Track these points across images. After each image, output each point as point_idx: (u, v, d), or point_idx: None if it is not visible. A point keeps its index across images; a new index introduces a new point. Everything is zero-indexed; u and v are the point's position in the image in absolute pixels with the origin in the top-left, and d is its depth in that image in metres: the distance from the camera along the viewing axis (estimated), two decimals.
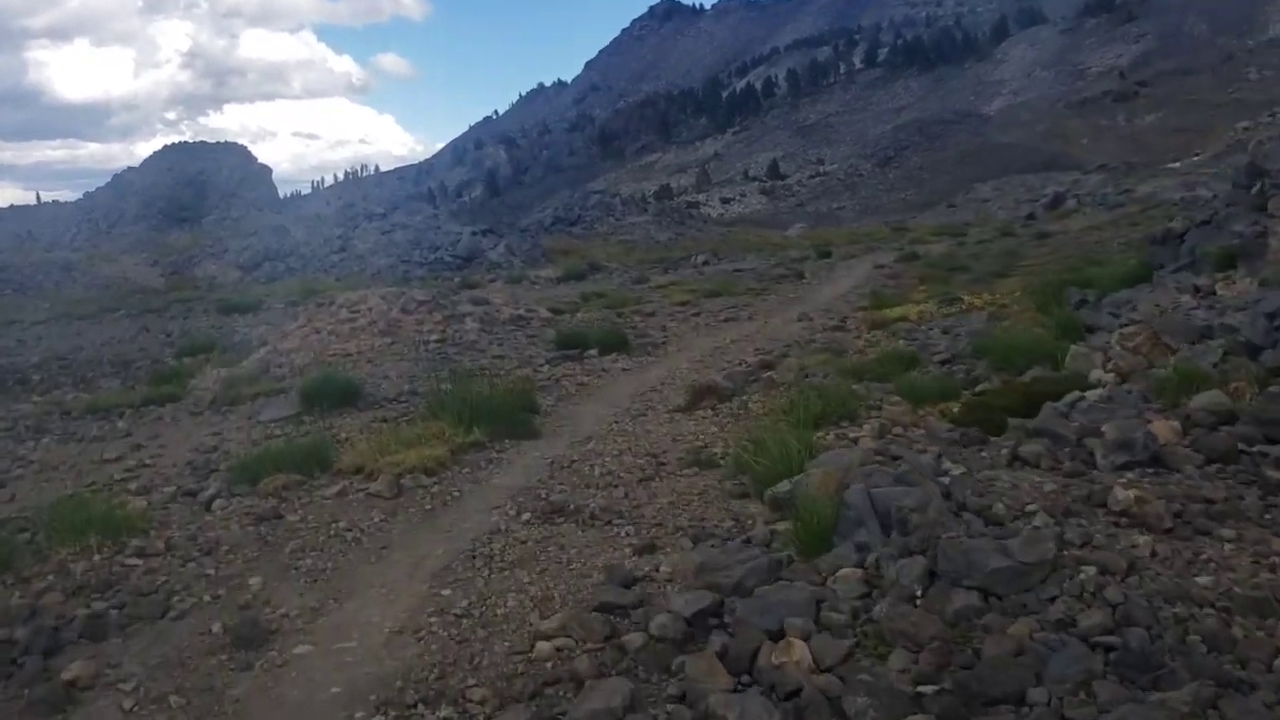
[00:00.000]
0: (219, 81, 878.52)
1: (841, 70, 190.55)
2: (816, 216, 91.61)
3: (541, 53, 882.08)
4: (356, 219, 38.69)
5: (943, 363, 9.38)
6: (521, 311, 18.09)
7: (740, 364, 11.88)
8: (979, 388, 7.96)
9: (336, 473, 7.53)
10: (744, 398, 9.35)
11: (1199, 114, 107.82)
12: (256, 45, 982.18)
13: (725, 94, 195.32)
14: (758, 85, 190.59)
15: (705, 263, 32.13)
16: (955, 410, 7.40)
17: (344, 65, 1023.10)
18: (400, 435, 8.21)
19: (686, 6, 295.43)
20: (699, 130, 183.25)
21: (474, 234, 36.32)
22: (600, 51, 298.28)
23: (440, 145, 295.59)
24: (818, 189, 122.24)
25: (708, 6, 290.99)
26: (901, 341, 11.59)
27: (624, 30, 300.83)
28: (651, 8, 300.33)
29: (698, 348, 13.81)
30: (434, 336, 15.54)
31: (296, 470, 7.43)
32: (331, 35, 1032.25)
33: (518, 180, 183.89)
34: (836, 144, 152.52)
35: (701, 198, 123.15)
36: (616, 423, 8.97)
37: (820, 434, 7.30)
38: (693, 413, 9.00)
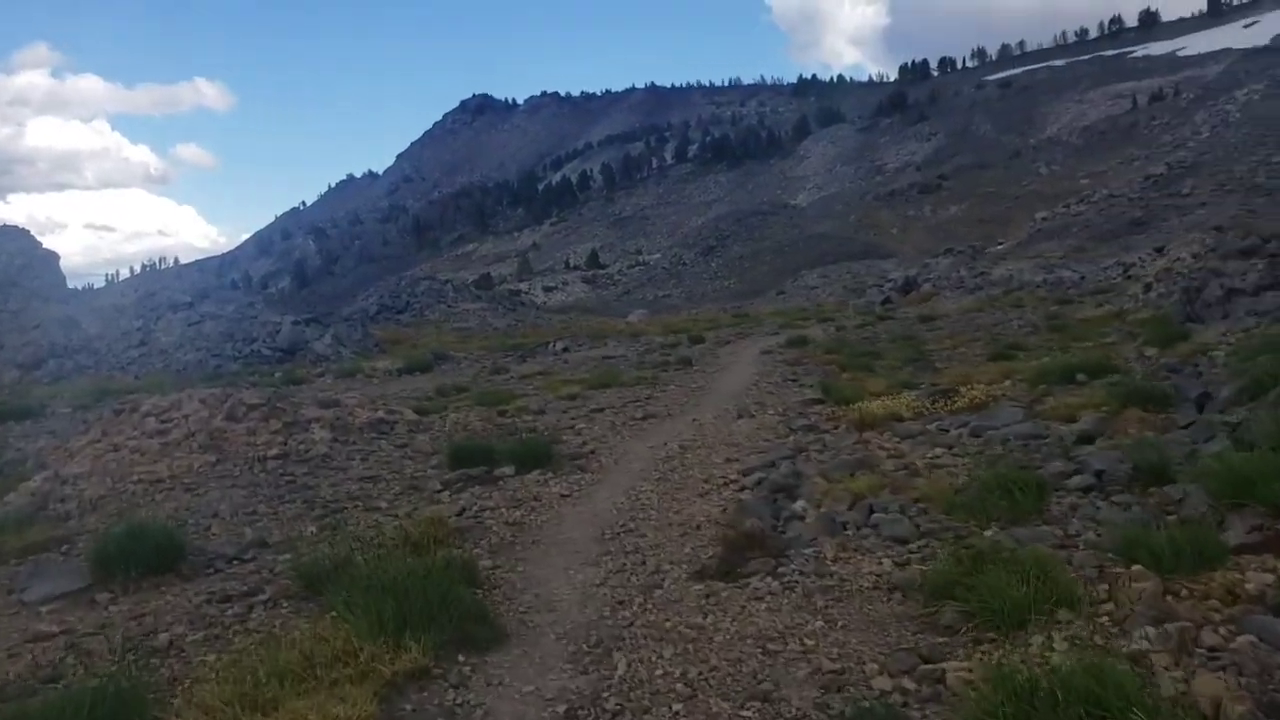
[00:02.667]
0: (3, 170, 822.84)
1: (654, 165, 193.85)
2: (644, 304, 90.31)
3: (351, 145, 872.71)
4: (159, 309, 33.59)
5: (1086, 490, 6.40)
6: (381, 414, 14.34)
7: (727, 484, 8.66)
8: (1228, 539, 4.99)
9: None
10: (807, 552, 6.11)
11: (998, 205, 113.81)
12: (45, 133, 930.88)
13: (541, 186, 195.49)
14: (573, 178, 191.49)
15: (565, 349, 28.91)
16: (1248, 587, 4.41)
17: (141, 155, 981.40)
18: (273, 658, 4.54)
19: (499, 102, 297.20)
20: (516, 221, 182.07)
21: (296, 323, 31.86)
22: (412, 144, 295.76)
23: (245, 236, 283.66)
24: (641, 278, 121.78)
25: (520, 102, 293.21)
26: (962, 457, 8.56)
27: (436, 123, 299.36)
28: (463, 102, 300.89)
29: (637, 457, 10.50)
30: (273, 451, 11.69)
31: None
32: (127, 125, 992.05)
33: (328, 271, 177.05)
34: (653, 235, 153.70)
35: (524, 286, 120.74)
36: (622, 605, 5.54)
37: (1036, 637, 4.19)
38: (742, 581, 5.68)
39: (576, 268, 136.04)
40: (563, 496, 8.72)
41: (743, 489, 8.34)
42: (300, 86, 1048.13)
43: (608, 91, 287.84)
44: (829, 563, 5.84)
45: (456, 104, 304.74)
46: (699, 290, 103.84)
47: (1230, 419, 6.93)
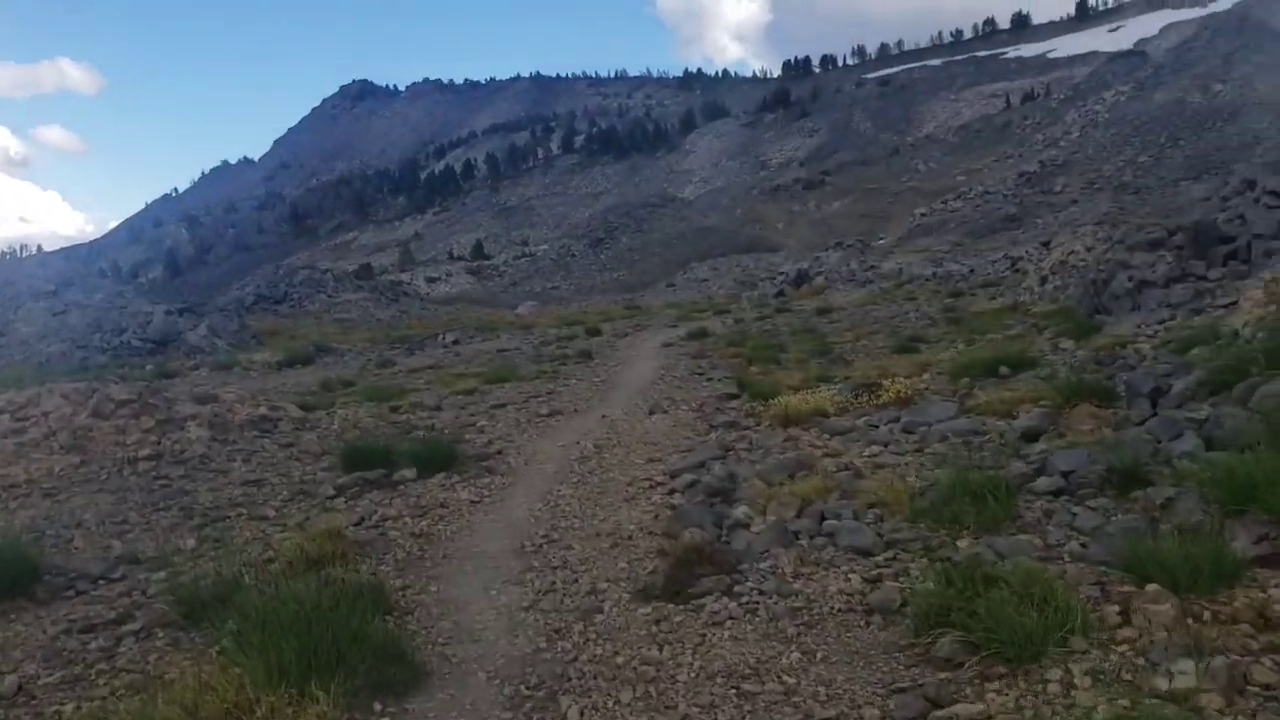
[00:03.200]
0: None
1: (540, 155, 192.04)
2: (532, 296, 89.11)
3: (226, 130, 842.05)
4: (20, 298, 31.36)
5: (1056, 493, 5.93)
6: (264, 410, 13.26)
7: (654, 487, 8.02)
8: (1239, 550, 4.55)
9: None
10: (763, 566, 5.49)
11: (879, 201, 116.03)
12: None
13: (424, 175, 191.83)
14: (457, 167, 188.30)
15: (456, 342, 27.91)
16: (1278, 609, 3.96)
17: None
18: (147, 713, 3.71)
19: (380, 87, 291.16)
20: (397, 210, 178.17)
21: (168, 313, 29.97)
22: (290, 130, 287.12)
23: (115, 224, 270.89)
24: (528, 269, 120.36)
25: (401, 88, 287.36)
26: (903, 455, 8.09)
27: (315, 109, 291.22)
28: (343, 87, 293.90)
29: (548, 458, 9.78)
30: (145, 451, 10.59)
31: None
32: None
33: (201, 260, 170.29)
34: (539, 226, 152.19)
35: (406, 277, 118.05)
36: (559, 633, 4.84)
37: (1052, 672, 3.66)
38: (694, 602, 5.04)
39: (461, 258, 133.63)
40: (473, 503, 7.96)
41: (672, 492, 7.71)
42: (173, 69, 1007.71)
43: (492, 79, 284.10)
44: (790, 580, 5.24)
45: (336, 89, 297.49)
46: (588, 282, 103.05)
47: (1195, 415, 6.57)
